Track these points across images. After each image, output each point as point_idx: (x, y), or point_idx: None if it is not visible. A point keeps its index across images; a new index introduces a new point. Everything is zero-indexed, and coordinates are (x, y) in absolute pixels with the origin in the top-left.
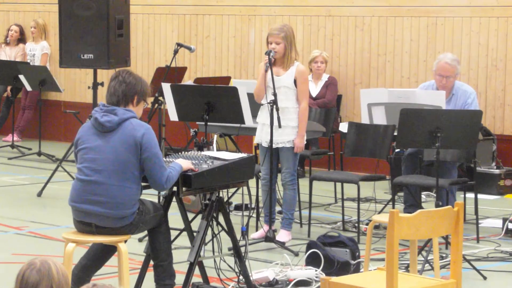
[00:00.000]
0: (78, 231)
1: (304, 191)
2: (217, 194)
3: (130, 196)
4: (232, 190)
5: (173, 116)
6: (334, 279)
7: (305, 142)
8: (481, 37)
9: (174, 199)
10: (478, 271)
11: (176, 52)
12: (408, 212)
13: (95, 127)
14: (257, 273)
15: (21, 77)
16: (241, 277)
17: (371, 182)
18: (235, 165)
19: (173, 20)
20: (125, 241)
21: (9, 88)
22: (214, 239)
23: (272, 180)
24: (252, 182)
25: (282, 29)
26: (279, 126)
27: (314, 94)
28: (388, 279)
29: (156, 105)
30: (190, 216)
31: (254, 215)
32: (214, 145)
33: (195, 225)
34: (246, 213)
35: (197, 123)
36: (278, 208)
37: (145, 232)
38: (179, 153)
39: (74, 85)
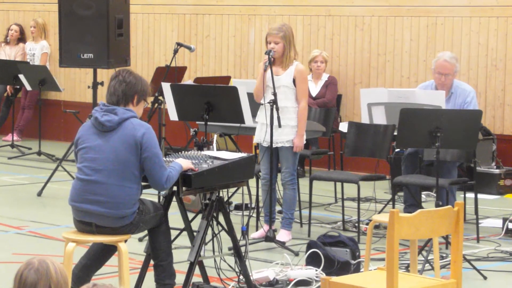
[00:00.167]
0: (78, 231)
1: (304, 190)
2: (217, 194)
3: (130, 195)
4: (232, 189)
5: (173, 115)
6: (334, 279)
7: (304, 142)
8: (480, 37)
9: (174, 198)
10: (478, 271)
11: (176, 51)
12: (408, 212)
13: (95, 126)
14: (257, 272)
15: (21, 76)
16: (241, 277)
17: (371, 182)
18: (235, 165)
19: (173, 20)
20: (125, 241)
21: (9, 86)
22: (214, 238)
23: (272, 179)
24: (252, 182)
25: (281, 29)
26: (279, 125)
27: (314, 94)
28: (388, 279)
29: (156, 104)
30: (190, 215)
31: (254, 214)
32: (214, 144)
33: (195, 225)
34: (246, 212)
35: (197, 122)
36: (278, 207)
37: (145, 232)
38: (179, 152)
39: (74, 84)
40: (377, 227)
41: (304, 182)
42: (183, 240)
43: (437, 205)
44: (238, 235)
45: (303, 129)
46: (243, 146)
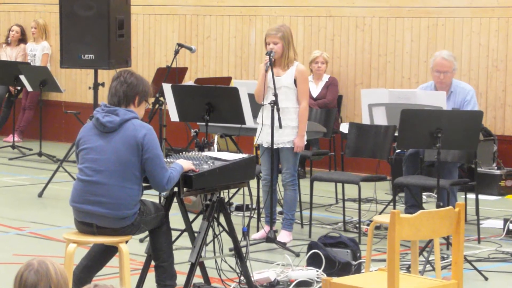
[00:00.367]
0: (79, 232)
1: (305, 191)
2: (218, 195)
3: (131, 196)
4: (233, 190)
5: (174, 116)
6: (335, 279)
7: (305, 142)
8: (481, 37)
9: (175, 199)
10: (479, 271)
11: (177, 52)
12: (409, 213)
13: (96, 127)
14: (258, 273)
15: (22, 77)
16: (242, 277)
17: (372, 182)
18: (236, 166)
19: (174, 21)
20: (126, 242)
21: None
22: (215, 239)
23: (272, 180)
24: (253, 183)
25: (280, 29)
26: (280, 126)
27: (314, 95)
28: (389, 279)
29: (157, 105)
30: (191, 216)
31: (255, 215)
32: (215, 145)
33: (196, 226)
34: (247, 213)
35: (198, 123)
36: (279, 208)
37: (146, 233)
38: (180, 153)
39: (75, 85)
40: (378, 228)
41: (304, 183)
42: (184, 241)
43: (438, 206)
44: (239, 236)
45: (304, 129)
46: (244, 147)
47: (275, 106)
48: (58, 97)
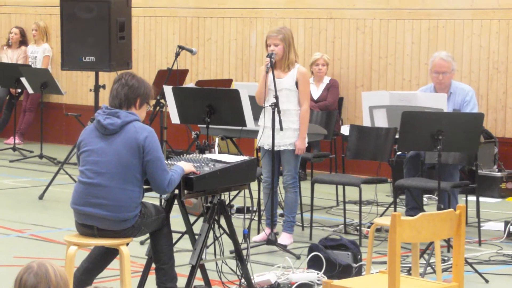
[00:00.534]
0: (80, 234)
1: (306, 194)
2: (218, 197)
3: (132, 199)
4: (233, 193)
5: (175, 118)
6: (336, 282)
7: (306, 145)
8: (482, 39)
9: (176, 201)
10: (480, 274)
11: (177, 54)
12: (410, 215)
13: (97, 129)
14: (259, 276)
15: (23, 79)
16: (243, 280)
17: (373, 185)
18: (237, 168)
19: (175, 23)
20: (127, 244)
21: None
22: (216, 242)
23: (273, 182)
24: (253, 185)
25: (280, 31)
26: (281, 129)
27: (315, 97)
28: (390, 282)
29: (158, 107)
30: (192, 219)
31: (256, 218)
32: (216, 147)
33: (196, 228)
34: (247, 216)
35: (199, 125)
36: (279, 211)
37: (147, 235)
38: (181, 156)
39: (76, 87)
40: (378, 230)
41: (305, 185)
42: (185, 243)
43: (438, 208)
44: (240, 238)
45: (305, 131)
46: (244, 149)
47: (276, 108)
48: (59, 99)
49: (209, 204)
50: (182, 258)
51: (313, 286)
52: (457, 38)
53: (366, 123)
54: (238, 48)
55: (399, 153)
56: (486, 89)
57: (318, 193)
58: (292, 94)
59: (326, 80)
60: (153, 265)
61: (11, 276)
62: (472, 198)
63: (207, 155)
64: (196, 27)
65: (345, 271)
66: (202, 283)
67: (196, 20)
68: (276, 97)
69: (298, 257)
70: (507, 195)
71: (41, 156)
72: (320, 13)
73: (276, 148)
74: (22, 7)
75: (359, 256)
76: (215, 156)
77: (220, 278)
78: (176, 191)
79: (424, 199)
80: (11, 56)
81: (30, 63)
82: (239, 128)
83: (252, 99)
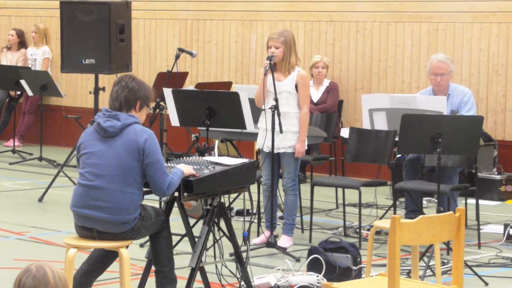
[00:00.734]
0: (80, 237)
1: (306, 196)
2: (218, 200)
3: (132, 201)
4: (233, 195)
5: (175, 121)
6: (335, 285)
7: (306, 147)
8: (482, 42)
9: (175, 204)
10: (479, 277)
11: (177, 57)
12: (410, 218)
13: (97, 132)
14: (259, 278)
15: (22, 82)
16: (242, 282)
17: (373, 187)
18: (237, 171)
19: (175, 25)
20: (127, 247)
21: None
22: (216, 244)
23: (273, 185)
24: (253, 188)
25: (282, 34)
26: (281, 131)
27: (315, 100)
28: (389, 285)
29: (158, 110)
30: (192, 221)
31: (256, 220)
32: (216, 150)
33: (196, 231)
34: (247, 218)
35: (199, 128)
36: (279, 213)
37: (147, 238)
38: (181, 158)
39: (76, 90)
40: (378, 233)
41: (305, 188)
42: (184, 246)
43: (438, 211)
44: (239, 241)
45: (305, 134)
46: (244, 151)
47: (276, 111)
48: (59, 102)
49: (208, 207)
50: (182, 261)
51: None
52: (457, 41)
53: (366, 125)
54: (238, 50)
55: (398, 155)
56: (485, 92)
57: (317, 196)
58: (291, 97)
59: (326, 82)
60: (153, 268)
61: (10, 278)
62: (471, 201)
63: (207, 158)
64: (196, 30)
65: (345, 274)
66: (201, 286)
67: (196, 22)
68: (276, 99)
69: (297, 260)
70: (507, 198)
71: (40, 159)
72: (320, 15)
73: (275, 151)
74: (22, 10)
75: (359, 259)
76: (215, 158)
77: (220, 280)
78: (176, 194)
79: (424, 201)
80: (10, 59)
81: (29, 66)
82: (239, 130)
83: (252, 101)
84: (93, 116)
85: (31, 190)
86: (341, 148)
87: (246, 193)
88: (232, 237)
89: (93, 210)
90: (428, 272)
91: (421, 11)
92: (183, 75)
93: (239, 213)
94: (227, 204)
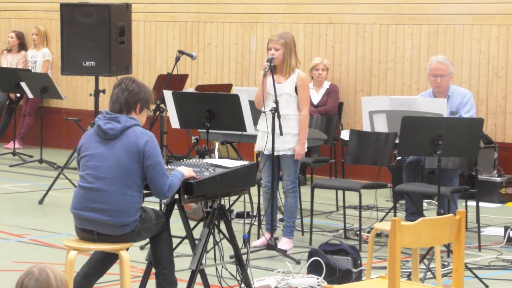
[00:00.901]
0: (80, 239)
1: (306, 198)
2: (218, 202)
3: (132, 203)
4: (233, 197)
5: (175, 123)
6: (336, 287)
7: (306, 150)
8: (482, 44)
9: (175, 206)
10: (480, 279)
11: (177, 59)
12: (410, 220)
13: (98, 134)
14: (259, 281)
15: (23, 84)
16: (242, 285)
17: (373, 190)
18: (237, 173)
19: (175, 28)
20: (127, 249)
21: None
22: (216, 247)
23: (273, 187)
24: (253, 190)
25: (282, 36)
26: (281, 133)
27: (315, 102)
28: (390, 287)
29: (158, 112)
30: (192, 223)
31: (256, 222)
32: (216, 152)
33: (196, 233)
34: (247, 220)
35: (199, 130)
36: (279, 216)
37: (147, 240)
38: (181, 160)
39: (76, 92)
40: (378, 235)
41: (305, 190)
42: (185, 248)
43: (438, 213)
44: (240, 243)
45: (305, 137)
46: (244, 154)
47: (276, 113)
48: (59, 104)
49: (209, 209)
50: (182, 263)
51: None
52: (457, 43)
53: (366, 128)
54: (238, 53)
55: (399, 158)
56: (485, 94)
57: (318, 198)
58: (291, 99)
59: (326, 85)
60: (153, 270)
61: (10, 280)
62: (472, 203)
63: (207, 160)
64: (196, 32)
65: (345, 276)
66: None
67: (196, 25)
68: (276, 102)
69: (298, 262)
70: (507, 200)
71: (41, 161)
72: (320, 18)
73: (275, 153)
74: (23, 12)
75: (359, 261)
76: (215, 161)
77: (220, 283)
78: (176, 196)
79: (424, 204)
80: (10, 61)
81: (30, 68)
82: (239, 133)
83: (252, 104)
84: (93, 119)
85: (32, 192)
86: (341, 150)
87: (246, 196)
88: (232, 240)
89: (94, 213)
90: (429, 274)
91: (421, 13)
92: (183, 77)
93: (239, 215)
94: (227, 207)
